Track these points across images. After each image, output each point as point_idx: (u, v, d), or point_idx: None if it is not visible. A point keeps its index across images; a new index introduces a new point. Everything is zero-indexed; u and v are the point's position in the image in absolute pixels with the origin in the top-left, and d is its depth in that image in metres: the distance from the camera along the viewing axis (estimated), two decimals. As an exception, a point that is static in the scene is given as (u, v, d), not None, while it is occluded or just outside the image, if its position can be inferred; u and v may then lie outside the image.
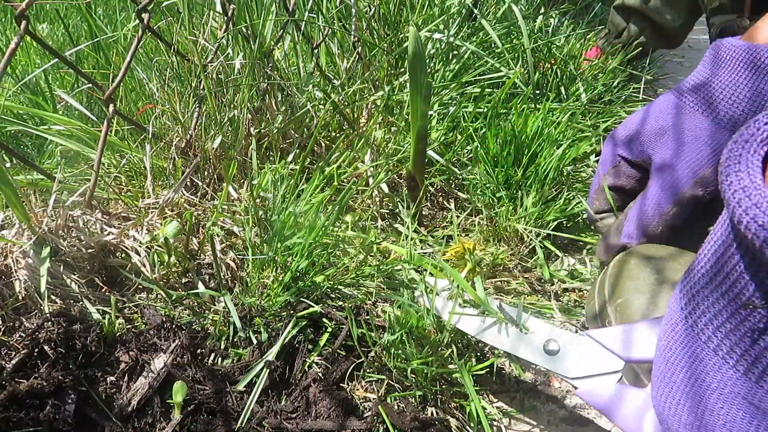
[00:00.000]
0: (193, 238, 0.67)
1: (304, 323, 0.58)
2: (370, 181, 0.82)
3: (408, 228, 0.76)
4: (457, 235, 0.74)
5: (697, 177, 0.62)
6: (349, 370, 0.55)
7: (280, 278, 0.61)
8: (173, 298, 0.61)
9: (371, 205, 0.82)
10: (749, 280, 0.31)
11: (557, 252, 0.80)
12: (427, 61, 0.98)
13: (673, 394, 0.38)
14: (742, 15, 1.17)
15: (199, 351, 0.55)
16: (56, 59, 0.68)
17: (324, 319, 0.60)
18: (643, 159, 0.67)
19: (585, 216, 0.77)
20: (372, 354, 0.56)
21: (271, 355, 0.55)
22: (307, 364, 0.55)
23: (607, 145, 0.72)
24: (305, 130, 0.87)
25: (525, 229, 0.79)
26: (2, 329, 0.52)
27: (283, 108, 0.84)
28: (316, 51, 0.94)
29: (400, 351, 0.54)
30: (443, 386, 0.55)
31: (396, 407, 0.53)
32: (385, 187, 0.83)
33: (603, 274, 0.65)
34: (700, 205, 0.63)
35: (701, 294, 0.36)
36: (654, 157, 0.65)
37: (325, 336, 0.58)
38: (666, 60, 1.76)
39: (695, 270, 0.37)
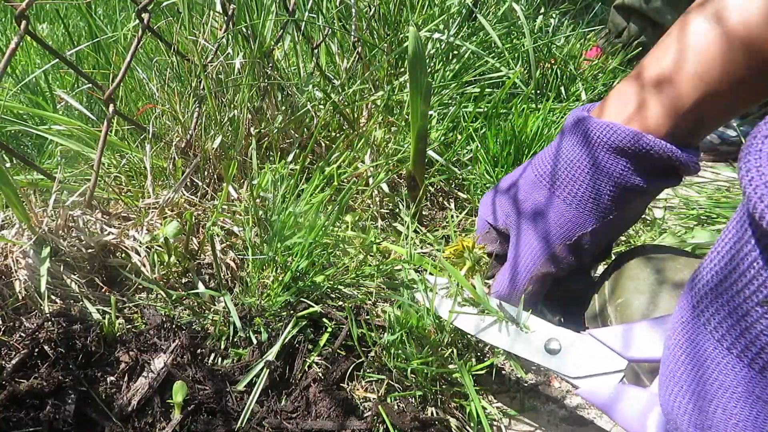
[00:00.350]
0: (193, 238, 0.67)
1: (304, 323, 0.58)
2: (370, 180, 0.82)
3: (408, 228, 0.76)
4: (456, 233, 0.74)
5: (545, 257, 0.61)
6: (349, 370, 0.55)
7: (280, 278, 0.61)
8: (173, 298, 0.61)
9: (371, 205, 0.82)
10: None
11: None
12: (427, 60, 0.98)
13: (683, 393, 0.38)
14: None
15: (199, 351, 0.55)
16: (56, 59, 0.68)
17: (324, 319, 0.60)
18: (506, 228, 0.66)
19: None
20: (372, 354, 0.56)
21: (271, 355, 0.55)
22: (307, 364, 0.55)
23: (481, 206, 0.71)
24: (305, 130, 0.87)
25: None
26: (2, 329, 0.52)
27: (283, 108, 0.84)
28: (316, 51, 0.94)
29: (400, 351, 0.54)
30: (443, 386, 0.55)
31: (396, 407, 0.53)
32: (385, 187, 0.83)
33: (603, 274, 0.65)
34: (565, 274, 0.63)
35: (714, 292, 0.36)
36: (511, 231, 0.64)
37: (325, 336, 0.58)
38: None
39: (706, 268, 0.37)
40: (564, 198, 0.60)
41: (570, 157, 0.59)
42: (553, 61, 1.23)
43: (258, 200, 0.72)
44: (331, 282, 0.63)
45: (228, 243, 0.68)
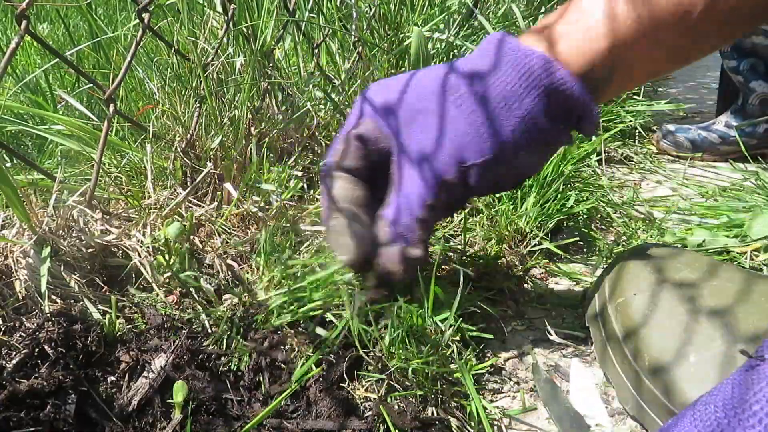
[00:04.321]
0: (195, 238, 0.67)
1: (305, 322, 0.58)
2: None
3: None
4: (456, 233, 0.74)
5: (461, 167, 0.54)
6: (350, 370, 0.55)
7: (281, 278, 0.61)
8: (173, 301, 0.61)
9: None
10: None
11: (558, 252, 0.80)
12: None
13: None
14: None
15: (199, 351, 0.55)
16: (57, 59, 0.68)
17: (324, 318, 0.60)
18: (390, 142, 0.57)
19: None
20: (372, 354, 0.56)
21: (271, 354, 0.55)
22: (308, 363, 0.55)
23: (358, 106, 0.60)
24: (305, 129, 0.87)
25: (527, 227, 0.79)
26: (2, 329, 0.52)
27: (284, 108, 0.84)
28: (316, 51, 0.94)
29: (400, 350, 0.54)
30: (444, 386, 0.55)
31: (396, 407, 0.53)
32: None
33: (603, 274, 0.65)
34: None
35: None
36: (408, 141, 0.56)
37: (326, 335, 0.58)
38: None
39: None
40: (466, 117, 0.54)
41: (482, 73, 0.54)
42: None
43: (258, 200, 0.72)
44: (332, 280, 0.63)
45: (228, 243, 0.68)
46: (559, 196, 0.83)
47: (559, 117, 0.54)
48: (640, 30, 0.51)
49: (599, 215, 0.92)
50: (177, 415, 0.48)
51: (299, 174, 0.78)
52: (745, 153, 1.15)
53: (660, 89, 1.72)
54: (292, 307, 0.59)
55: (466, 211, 0.83)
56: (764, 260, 0.77)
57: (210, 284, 0.63)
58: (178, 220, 0.66)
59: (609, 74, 0.53)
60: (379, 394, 0.54)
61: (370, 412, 0.52)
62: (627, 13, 0.51)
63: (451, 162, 0.54)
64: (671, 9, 0.50)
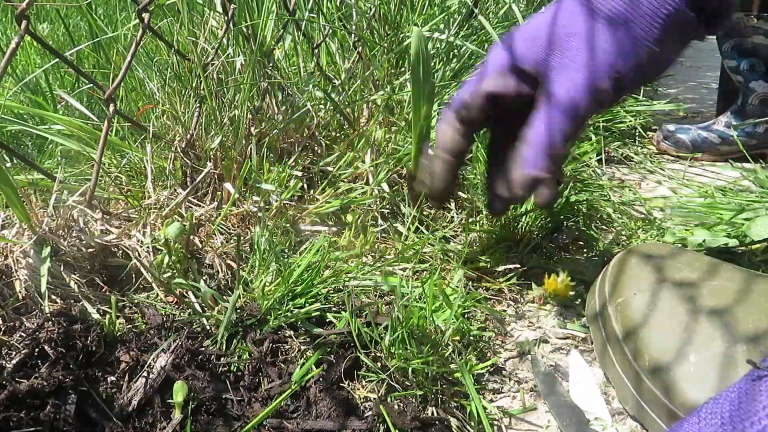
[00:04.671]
0: (195, 238, 0.67)
1: (304, 322, 0.58)
2: (371, 179, 0.82)
3: (408, 228, 0.76)
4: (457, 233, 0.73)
5: (611, 77, 0.56)
6: (349, 370, 0.55)
7: (281, 279, 0.61)
8: (173, 301, 0.61)
9: (372, 205, 0.82)
10: None
11: (558, 252, 0.80)
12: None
13: None
14: (749, 13, 1.17)
15: (199, 351, 0.55)
16: (57, 59, 0.68)
17: (324, 318, 0.60)
18: (539, 68, 0.59)
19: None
20: (372, 354, 0.56)
21: (271, 354, 0.55)
22: (308, 363, 0.55)
23: (499, 48, 0.63)
24: (305, 129, 0.87)
25: (526, 227, 0.79)
26: (2, 329, 0.52)
27: (284, 108, 0.84)
28: (316, 51, 0.94)
29: (400, 350, 0.54)
30: (444, 386, 0.55)
31: (396, 407, 0.53)
32: (385, 187, 0.83)
33: (603, 273, 0.65)
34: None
35: None
36: (557, 63, 0.58)
37: (326, 335, 0.58)
38: (666, 59, 1.75)
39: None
40: (612, 23, 0.55)
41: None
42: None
43: (259, 201, 0.72)
44: (332, 281, 0.63)
45: (228, 243, 0.68)
46: (559, 196, 0.83)
47: (700, 7, 0.55)
48: None
49: (599, 215, 0.92)
50: (177, 415, 0.48)
51: (299, 174, 0.78)
52: (745, 153, 1.15)
53: (660, 89, 1.72)
54: (290, 306, 0.59)
55: (466, 211, 0.83)
56: (762, 260, 0.77)
57: (210, 285, 0.63)
58: (178, 220, 0.66)
59: None
60: (379, 394, 0.54)
61: (370, 412, 0.52)
62: None
63: (605, 71, 0.56)
64: None
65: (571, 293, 0.70)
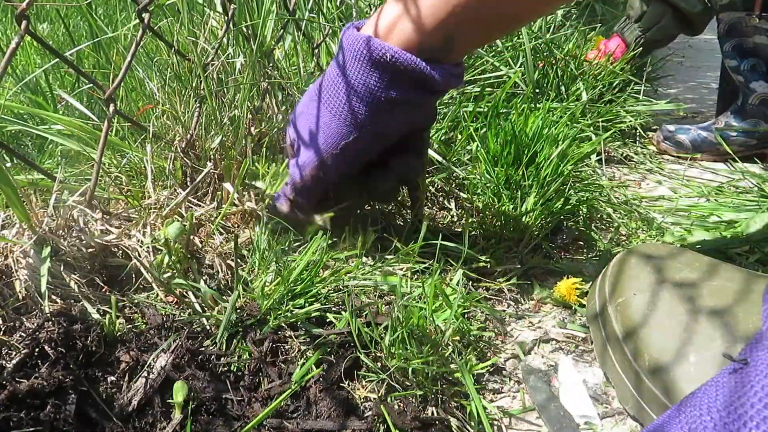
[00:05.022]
0: (195, 238, 0.67)
1: (304, 323, 0.58)
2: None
3: (408, 228, 0.76)
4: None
5: (316, 164, 0.65)
6: (349, 370, 0.55)
7: (280, 278, 0.61)
8: (173, 301, 0.61)
9: (371, 205, 0.82)
10: None
11: (558, 252, 0.80)
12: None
13: None
14: (751, 13, 1.17)
15: (199, 351, 0.55)
16: (57, 59, 0.68)
17: (324, 318, 0.60)
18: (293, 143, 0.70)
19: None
20: (372, 354, 0.56)
21: (271, 354, 0.55)
22: (308, 363, 0.55)
23: None
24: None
25: (526, 227, 0.79)
26: (2, 329, 0.52)
27: (284, 108, 0.84)
28: (316, 51, 0.94)
29: (400, 350, 0.54)
30: (444, 386, 0.55)
31: (396, 407, 0.53)
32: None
33: (603, 273, 0.65)
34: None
35: None
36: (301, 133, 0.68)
37: (326, 335, 0.58)
38: (666, 59, 1.76)
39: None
40: (330, 109, 0.63)
41: (332, 70, 0.63)
42: (554, 61, 1.23)
43: (260, 200, 0.72)
44: (332, 280, 0.63)
45: (228, 243, 0.68)
46: (559, 196, 0.83)
47: (401, 82, 0.60)
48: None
49: (599, 215, 0.92)
50: (177, 415, 0.48)
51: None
52: (732, 155, 1.15)
53: (660, 89, 1.72)
54: (289, 306, 0.59)
55: (467, 211, 0.84)
56: (759, 259, 0.77)
57: (210, 285, 0.63)
58: (178, 220, 0.66)
59: (448, 43, 0.59)
60: (379, 394, 0.54)
61: (370, 412, 0.52)
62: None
63: (325, 149, 0.65)
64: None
65: (577, 296, 0.70)
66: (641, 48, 1.43)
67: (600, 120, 1.19)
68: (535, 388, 0.58)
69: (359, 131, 0.62)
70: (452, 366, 0.56)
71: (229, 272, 0.65)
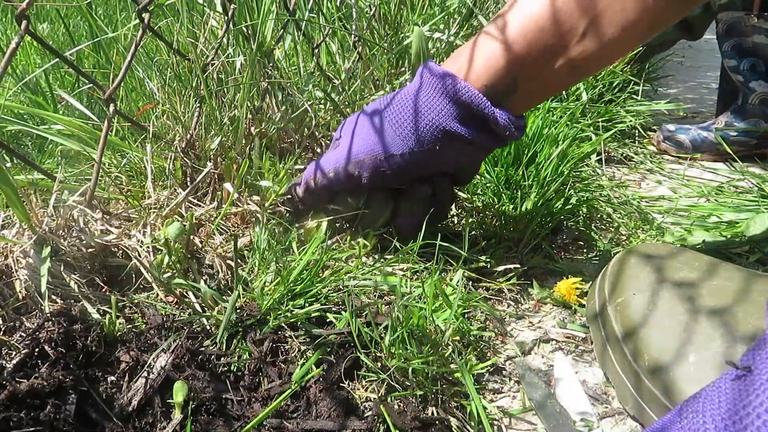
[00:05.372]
0: (195, 238, 0.67)
1: (304, 323, 0.58)
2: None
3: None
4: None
5: (348, 161, 0.69)
6: (349, 370, 0.55)
7: (280, 278, 0.61)
8: (173, 301, 0.61)
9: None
10: None
11: (558, 252, 0.80)
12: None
13: None
14: (749, 12, 1.17)
15: (199, 351, 0.55)
16: (57, 59, 0.68)
17: (324, 318, 0.60)
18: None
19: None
20: (372, 354, 0.56)
21: (271, 354, 0.55)
22: (308, 363, 0.55)
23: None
24: (305, 129, 0.87)
25: (527, 227, 0.79)
26: (2, 329, 0.52)
27: (284, 108, 0.84)
28: (316, 51, 0.94)
29: (400, 350, 0.54)
30: (444, 386, 0.55)
31: (396, 407, 0.53)
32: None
33: (603, 273, 0.65)
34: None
35: None
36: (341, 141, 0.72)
37: (326, 335, 0.58)
38: (666, 60, 1.76)
39: None
40: (388, 118, 0.67)
41: (406, 90, 0.68)
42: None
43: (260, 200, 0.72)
44: (332, 280, 0.63)
45: (228, 243, 0.68)
46: (560, 195, 0.83)
47: (469, 122, 0.64)
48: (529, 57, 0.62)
49: (599, 215, 0.92)
50: (177, 415, 0.48)
51: (301, 167, 0.78)
52: (732, 155, 1.15)
53: (660, 89, 1.72)
54: (289, 306, 0.59)
55: (467, 211, 0.84)
56: (759, 259, 0.77)
57: (210, 285, 0.63)
58: (178, 220, 0.66)
59: (511, 86, 0.63)
60: (379, 394, 0.54)
61: (370, 412, 0.52)
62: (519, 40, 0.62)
63: (361, 150, 0.68)
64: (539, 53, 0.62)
65: (577, 296, 0.70)
66: (642, 51, 1.43)
67: (600, 120, 1.19)
68: (531, 384, 0.58)
69: (411, 149, 0.66)
70: (452, 366, 0.56)
71: (229, 272, 0.65)
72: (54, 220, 0.61)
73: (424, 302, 0.59)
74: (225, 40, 0.80)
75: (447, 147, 0.66)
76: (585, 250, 0.84)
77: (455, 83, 0.62)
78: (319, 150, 0.88)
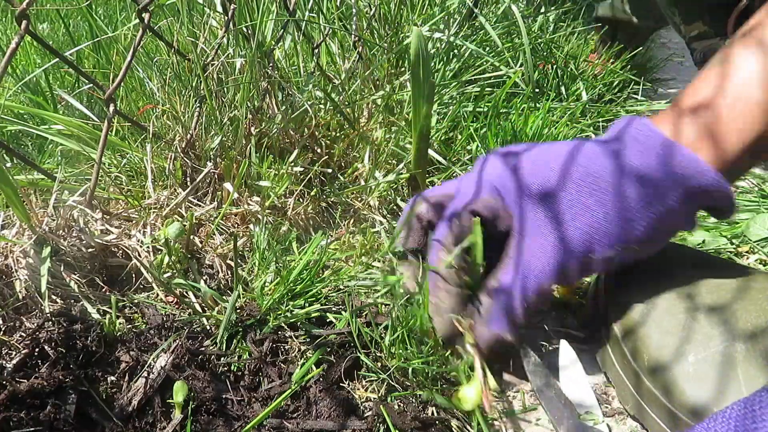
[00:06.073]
0: (195, 238, 0.67)
1: (304, 323, 0.58)
2: (371, 180, 0.82)
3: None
4: None
5: (587, 256, 0.53)
6: (349, 370, 0.55)
7: (280, 278, 0.61)
8: (173, 301, 0.61)
9: (372, 205, 0.82)
10: None
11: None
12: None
13: None
14: (723, 37, 1.14)
15: (199, 351, 0.55)
16: (57, 59, 0.68)
17: (324, 318, 0.60)
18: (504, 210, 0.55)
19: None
20: (372, 354, 0.56)
21: (271, 354, 0.55)
22: (308, 363, 0.55)
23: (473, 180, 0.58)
24: (305, 129, 0.87)
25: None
26: (3, 329, 0.52)
27: (284, 108, 0.84)
28: (316, 51, 0.94)
29: (400, 350, 0.54)
30: (444, 386, 0.55)
31: (396, 407, 0.53)
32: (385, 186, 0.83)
33: (602, 273, 0.65)
34: None
35: None
36: (535, 221, 0.54)
37: (326, 335, 0.58)
38: (667, 60, 1.76)
39: None
40: (603, 207, 0.52)
41: (603, 159, 0.52)
42: (553, 61, 1.23)
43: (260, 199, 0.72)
44: (333, 280, 0.63)
45: (228, 243, 0.68)
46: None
47: (694, 209, 0.53)
48: None
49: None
50: (177, 415, 0.48)
51: (300, 169, 0.78)
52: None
53: (660, 89, 1.72)
54: (289, 306, 0.59)
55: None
56: (758, 260, 0.77)
57: (210, 285, 0.63)
58: (178, 220, 0.66)
59: (748, 163, 0.52)
60: (379, 394, 0.54)
61: (370, 412, 0.52)
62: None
63: (579, 250, 0.52)
64: None
65: (577, 296, 0.70)
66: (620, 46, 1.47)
67: (600, 120, 1.19)
68: (534, 372, 0.58)
69: (627, 245, 0.52)
70: (452, 366, 0.56)
71: (229, 272, 0.65)
72: (54, 220, 0.61)
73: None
74: (225, 40, 0.80)
75: (664, 237, 0.55)
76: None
77: (701, 171, 0.50)
78: (318, 150, 0.88)
